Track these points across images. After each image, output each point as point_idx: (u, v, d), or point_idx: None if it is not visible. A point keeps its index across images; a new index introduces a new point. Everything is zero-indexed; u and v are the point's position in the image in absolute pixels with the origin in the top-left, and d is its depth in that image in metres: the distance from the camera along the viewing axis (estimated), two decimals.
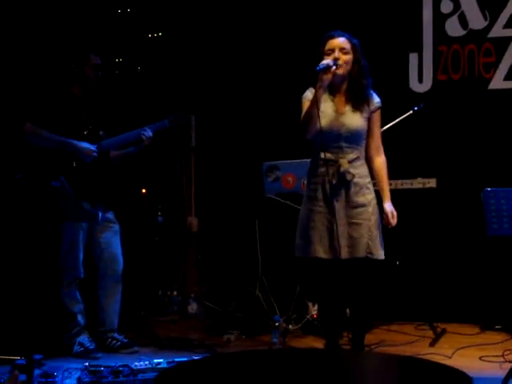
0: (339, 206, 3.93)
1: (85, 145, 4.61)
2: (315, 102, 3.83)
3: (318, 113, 3.82)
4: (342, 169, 3.93)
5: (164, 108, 4.82)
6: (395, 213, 4.00)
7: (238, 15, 5.97)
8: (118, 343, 4.72)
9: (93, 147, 4.63)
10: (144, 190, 6.13)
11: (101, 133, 4.73)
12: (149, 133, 4.67)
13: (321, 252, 3.95)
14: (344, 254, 3.90)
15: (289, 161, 5.32)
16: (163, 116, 4.77)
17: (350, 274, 3.98)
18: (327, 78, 3.85)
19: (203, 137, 6.13)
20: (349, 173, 3.94)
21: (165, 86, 6.03)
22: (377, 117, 4.05)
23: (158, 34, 6.08)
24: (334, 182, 3.94)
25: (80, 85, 4.69)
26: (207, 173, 6.16)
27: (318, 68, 3.81)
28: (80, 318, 4.68)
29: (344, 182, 3.94)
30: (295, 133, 4.06)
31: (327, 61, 3.86)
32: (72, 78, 4.69)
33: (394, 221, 4.00)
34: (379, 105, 4.05)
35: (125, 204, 5.47)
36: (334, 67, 3.86)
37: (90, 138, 4.66)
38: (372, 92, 4.05)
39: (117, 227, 4.79)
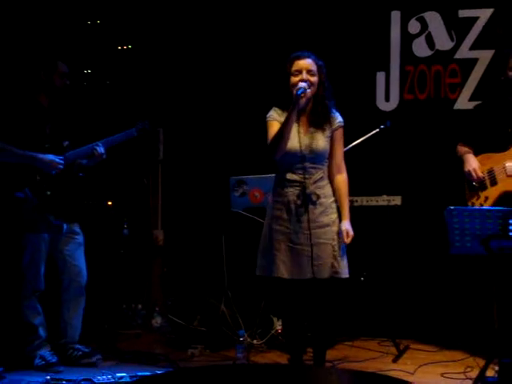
0: (304, 226, 3.94)
1: (51, 157, 4.54)
2: (288, 124, 3.86)
3: (299, 136, 3.86)
4: (307, 190, 3.95)
5: (132, 120, 4.81)
6: (351, 232, 3.99)
7: (207, 29, 5.99)
8: (80, 353, 4.66)
9: (59, 159, 4.57)
10: (110, 202, 6.09)
11: (65, 143, 4.67)
12: (101, 149, 4.62)
13: (284, 272, 3.96)
14: (308, 274, 3.91)
15: (256, 176, 5.34)
16: (131, 127, 4.75)
17: (313, 292, 3.99)
18: (302, 101, 3.91)
19: (171, 150, 6.13)
20: (314, 193, 3.96)
21: (133, 98, 6.02)
22: (339, 135, 4.07)
23: (127, 47, 6.08)
24: (298, 202, 3.96)
25: (47, 93, 4.64)
26: (174, 186, 6.14)
27: (298, 93, 3.85)
28: (41, 330, 4.61)
29: (309, 203, 3.95)
30: (262, 148, 4.08)
31: (303, 84, 3.90)
32: (39, 86, 4.64)
33: (348, 240, 3.99)
34: (341, 124, 4.08)
35: (90, 216, 5.43)
36: (308, 90, 3.91)
37: (54, 150, 4.61)
38: (335, 111, 4.08)
39: (81, 239, 4.74)
